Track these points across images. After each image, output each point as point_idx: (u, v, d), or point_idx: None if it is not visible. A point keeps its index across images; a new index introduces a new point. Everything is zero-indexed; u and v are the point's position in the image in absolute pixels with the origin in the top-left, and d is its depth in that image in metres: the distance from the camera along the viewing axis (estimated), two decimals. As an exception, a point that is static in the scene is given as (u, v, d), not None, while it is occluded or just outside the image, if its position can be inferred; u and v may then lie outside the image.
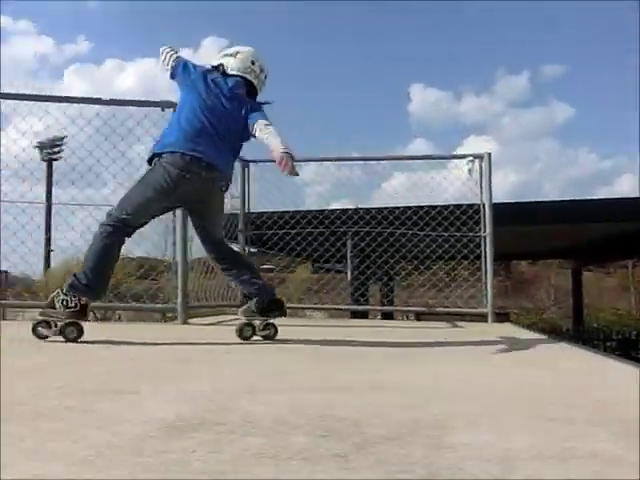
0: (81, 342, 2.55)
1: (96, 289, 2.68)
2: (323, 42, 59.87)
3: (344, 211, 5.59)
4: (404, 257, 5.62)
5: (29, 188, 4.71)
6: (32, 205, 4.72)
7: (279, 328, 2.93)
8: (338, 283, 6.40)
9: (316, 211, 5.59)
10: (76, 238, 4.69)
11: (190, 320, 4.21)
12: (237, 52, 3.00)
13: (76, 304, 2.57)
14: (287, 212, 5.50)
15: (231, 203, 4.40)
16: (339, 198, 6.89)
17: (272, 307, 2.89)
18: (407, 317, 11.71)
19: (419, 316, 8.51)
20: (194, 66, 2.94)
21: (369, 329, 4.55)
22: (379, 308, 9.32)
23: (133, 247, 4.75)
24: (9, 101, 4.49)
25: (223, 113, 2.83)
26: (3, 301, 5.55)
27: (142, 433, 1.03)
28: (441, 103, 59.32)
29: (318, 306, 6.29)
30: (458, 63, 60.24)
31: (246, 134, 2.88)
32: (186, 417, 1.17)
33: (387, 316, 9.34)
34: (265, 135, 2.75)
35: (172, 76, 2.97)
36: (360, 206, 5.96)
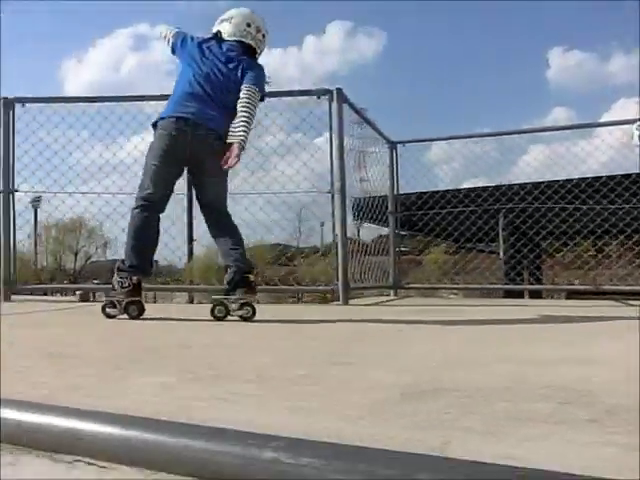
0: (261, 321, 2.82)
1: (140, 267, 2.89)
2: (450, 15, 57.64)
3: (497, 188, 5.40)
4: (552, 233, 5.33)
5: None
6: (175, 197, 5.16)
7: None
8: (483, 263, 6.20)
9: (468, 189, 5.48)
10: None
11: (350, 301, 4.39)
12: (232, 17, 3.04)
13: (129, 284, 2.83)
14: (437, 192, 5.48)
15: (361, 187, 4.45)
16: (475, 175, 6.65)
17: (240, 284, 2.81)
18: (552, 297, 10.92)
19: (569, 295, 7.95)
20: (191, 38, 3.05)
21: (538, 308, 4.38)
22: (538, 287, 8.84)
23: (266, 235, 5.06)
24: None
25: (218, 77, 2.92)
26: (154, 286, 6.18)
27: (386, 397, 1.15)
28: (585, 65, 53.65)
29: (468, 286, 6.16)
30: (603, 19, 54.04)
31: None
32: (417, 384, 1.27)
33: (534, 295, 8.84)
34: (239, 113, 2.82)
35: (172, 51, 3.11)
36: (507, 183, 5.72)
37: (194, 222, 5.03)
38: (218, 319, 2.82)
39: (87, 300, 5.13)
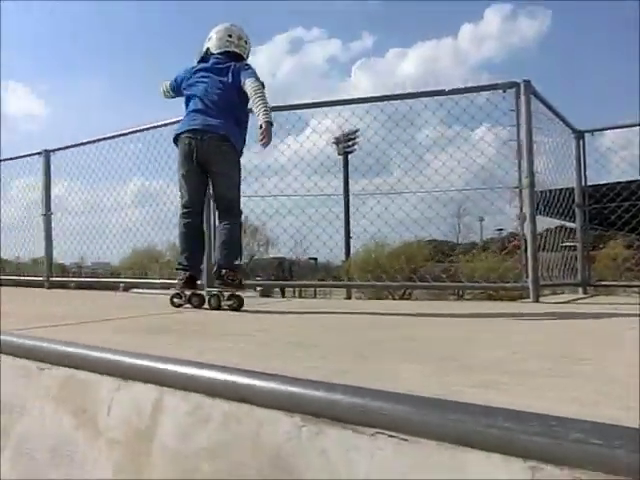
0: (460, 316, 2.85)
1: (188, 266, 3.39)
2: None
3: None
4: None
5: (326, 183, 5.29)
6: (330, 197, 5.27)
7: None
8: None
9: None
10: (366, 225, 5.14)
11: (541, 298, 4.19)
12: (214, 33, 3.47)
13: (183, 278, 3.36)
14: (630, 182, 4.92)
15: (525, 181, 4.14)
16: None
17: (220, 278, 3.25)
18: None
19: None
20: (185, 70, 3.53)
21: None
22: None
23: (421, 232, 5.00)
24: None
25: (214, 89, 3.34)
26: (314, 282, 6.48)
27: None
28: None
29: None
30: None
31: (242, 94, 3.29)
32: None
33: None
34: (254, 102, 3.19)
35: (174, 92, 3.63)
36: None
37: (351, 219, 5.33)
38: (213, 308, 3.26)
39: (268, 295, 5.70)
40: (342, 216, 5.42)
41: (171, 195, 5.79)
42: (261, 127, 3.10)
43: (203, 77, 3.41)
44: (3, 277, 6.82)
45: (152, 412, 1.30)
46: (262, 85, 3.28)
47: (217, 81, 3.37)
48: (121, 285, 6.64)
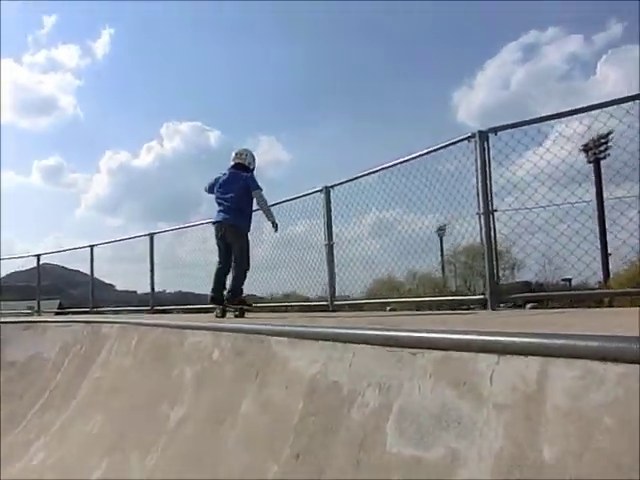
0: None
1: (213, 296, 6.09)
2: None
3: None
4: None
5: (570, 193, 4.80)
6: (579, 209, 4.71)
7: None
8: None
9: None
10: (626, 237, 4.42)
11: None
12: (232, 155, 6.29)
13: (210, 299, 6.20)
14: None
15: None
16: None
17: (227, 300, 6.03)
18: None
19: None
20: (214, 179, 6.33)
21: None
22: None
23: None
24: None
25: (227, 190, 6.03)
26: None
27: None
28: None
29: None
30: None
31: (249, 195, 6.01)
32: None
33: None
34: (262, 210, 6.17)
35: (209, 192, 6.33)
36: None
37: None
38: (218, 317, 5.99)
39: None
40: (597, 230, 4.93)
41: (405, 224, 6.25)
42: (273, 224, 6.16)
43: (221, 186, 6.15)
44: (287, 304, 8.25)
45: (538, 379, 1.51)
46: (262, 191, 6.04)
47: (230, 188, 6.03)
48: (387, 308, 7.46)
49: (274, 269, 9.02)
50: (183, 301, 11.76)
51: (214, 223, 6.11)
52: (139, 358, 5.10)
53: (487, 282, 5.27)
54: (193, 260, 10.69)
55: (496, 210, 5.23)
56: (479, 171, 5.30)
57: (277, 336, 3.21)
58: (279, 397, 2.89)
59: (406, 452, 1.98)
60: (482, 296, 5.41)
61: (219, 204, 5.98)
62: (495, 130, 5.31)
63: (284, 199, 8.39)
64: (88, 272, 12.90)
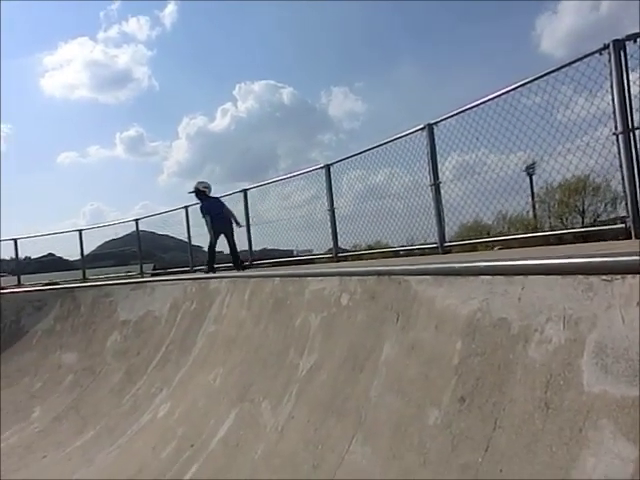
0: None
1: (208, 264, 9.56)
2: None
3: None
4: None
5: None
6: None
7: None
8: None
9: None
10: None
11: None
12: (207, 186, 9.89)
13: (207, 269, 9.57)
14: None
15: None
16: None
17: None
18: None
19: None
20: (201, 208, 9.94)
21: None
22: None
23: None
24: None
25: (216, 211, 9.64)
26: None
27: None
28: None
29: None
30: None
31: (226, 210, 9.90)
32: None
33: None
34: (232, 216, 9.87)
35: (203, 216, 9.85)
36: None
37: None
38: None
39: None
40: None
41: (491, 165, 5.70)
42: (237, 224, 9.81)
43: (209, 207, 9.53)
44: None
45: None
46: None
47: (215, 207, 9.60)
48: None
49: (355, 220, 9.00)
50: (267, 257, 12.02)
51: (213, 226, 9.52)
52: (254, 310, 5.16)
53: (629, 208, 4.82)
54: (275, 217, 10.94)
55: (638, 128, 4.76)
56: (615, 86, 4.84)
57: (419, 275, 3.04)
58: (429, 339, 2.74)
59: (613, 391, 1.76)
60: (622, 225, 4.96)
61: (212, 218, 9.45)
62: (635, 37, 4.79)
63: (385, 140, 8.17)
64: (176, 236, 13.37)
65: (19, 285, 12.86)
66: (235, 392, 4.45)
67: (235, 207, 11.04)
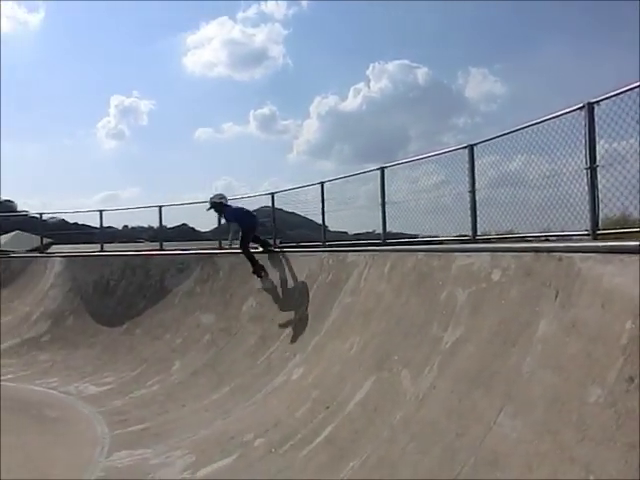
0: None
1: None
2: None
3: None
4: None
5: None
6: None
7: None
8: None
9: None
10: None
11: None
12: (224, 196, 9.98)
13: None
14: None
15: None
16: None
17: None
18: None
19: None
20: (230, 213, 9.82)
21: None
22: None
23: None
24: None
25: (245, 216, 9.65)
26: None
27: None
28: None
29: None
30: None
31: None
32: None
33: None
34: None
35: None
36: None
37: None
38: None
39: None
40: None
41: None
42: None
43: (234, 214, 9.41)
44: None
45: None
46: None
47: (238, 211, 9.54)
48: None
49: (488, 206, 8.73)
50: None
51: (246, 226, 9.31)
52: (394, 283, 5.32)
53: None
54: (401, 199, 10.89)
55: None
56: None
57: (583, 252, 3.00)
58: (593, 317, 2.72)
59: None
60: None
61: (245, 217, 9.37)
62: None
63: (537, 120, 7.86)
64: (301, 214, 13.82)
65: (161, 250, 14.06)
66: (373, 361, 4.65)
67: (360, 188, 11.10)
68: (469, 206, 9.39)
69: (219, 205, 9.55)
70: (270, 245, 9.86)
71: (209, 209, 9.72)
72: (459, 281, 4.12)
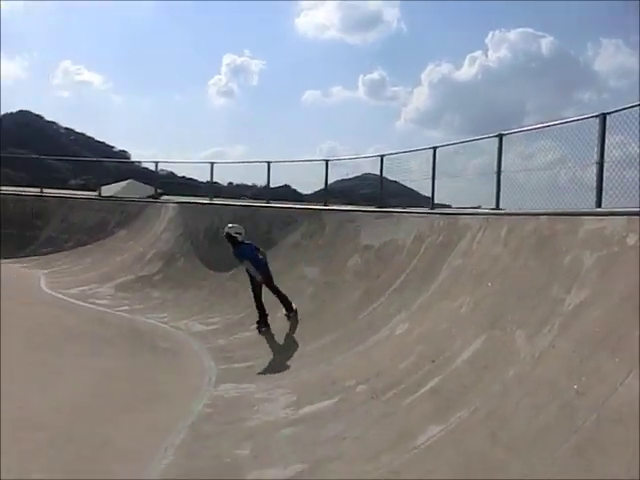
0: None
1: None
2: None
3: None
4: None
5: None
6: None
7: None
8: None
9: None
10: None
11: None
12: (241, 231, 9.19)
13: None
14: None
15: None
16: None
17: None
18: None
19: None
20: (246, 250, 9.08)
21: None
22: None
23: None
24: None
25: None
26: None
27: None
28: None
29: None
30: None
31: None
32: None
33: None
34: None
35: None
36: None
37: None
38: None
39: None
40: None
41: None
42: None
43: (246, 251, 8.90)
44: None
45: None
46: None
47: (251, 250, 8.95)
48: None
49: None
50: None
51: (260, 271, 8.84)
52: (511, 246, 5.23)
53: None
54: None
55: None
56: None
57: None
58: None
59: None
60: None
61: (257, 263, 8.84)
62: None
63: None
64: (404, 183, 13.52)
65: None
66: (485, 320, 4.64)
67: (469, 161, 10.69)
68: (595, 178, 8.92)
69: (233, 239, 8.94)
70: (293, 310, 8.59)
71: (224, 236, 9.16)
72: (587, 244, 3.99)
